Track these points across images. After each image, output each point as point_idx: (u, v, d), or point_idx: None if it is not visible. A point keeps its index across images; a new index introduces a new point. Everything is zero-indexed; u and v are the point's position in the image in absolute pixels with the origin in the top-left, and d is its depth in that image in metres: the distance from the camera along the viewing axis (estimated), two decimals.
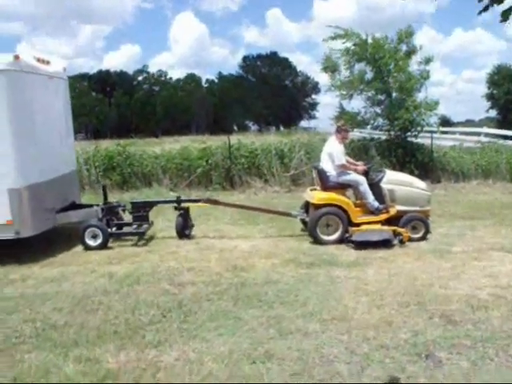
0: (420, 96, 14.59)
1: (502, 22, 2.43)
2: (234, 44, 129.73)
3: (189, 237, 8.64)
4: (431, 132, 15.69)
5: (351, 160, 8.80)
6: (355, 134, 16.17)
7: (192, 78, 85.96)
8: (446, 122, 39.89)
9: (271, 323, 4.87)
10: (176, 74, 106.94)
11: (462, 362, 4.00)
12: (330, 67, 15.12)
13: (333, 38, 14.45)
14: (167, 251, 7.82)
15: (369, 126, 15.62)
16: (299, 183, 14.00)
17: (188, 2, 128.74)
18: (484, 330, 4.56)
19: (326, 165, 8.25)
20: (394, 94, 14.34)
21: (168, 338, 4.63)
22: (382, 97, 14.61)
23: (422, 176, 11.82)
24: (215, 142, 15.86)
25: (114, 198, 10.96)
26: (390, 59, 13.76)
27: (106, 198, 9.32)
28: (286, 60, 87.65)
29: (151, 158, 15.02)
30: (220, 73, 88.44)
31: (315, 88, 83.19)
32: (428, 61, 14.52)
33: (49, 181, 8.10)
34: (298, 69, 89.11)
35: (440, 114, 15.44)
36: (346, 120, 13.51)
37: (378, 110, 14.91)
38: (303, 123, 79.37)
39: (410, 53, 14.72)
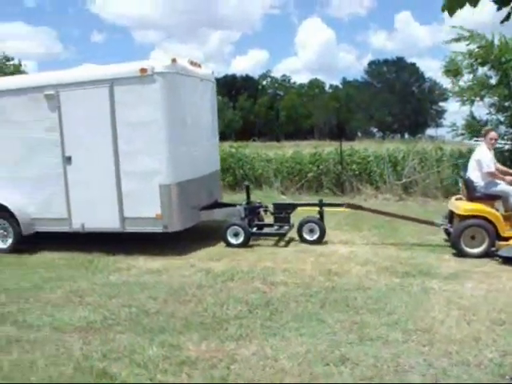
0: None
1: None
2: (361, 49, 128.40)
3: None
4: None
5: (504, 168, 8.22)
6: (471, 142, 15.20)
7: (315, 84, 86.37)
8: None
9: (353, 328, 4.86)
10: (301, 78, 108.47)
11: None
12: (452, 71, 14.38)
13: (456, 40, 13.72)
14: (267, 252, 8.06)
15: None
16: (410, 192, 13.59)
17: (315, 8, 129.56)
18: None
19: (474, 174, 7.79)
20: None
21: (249, 333, 4.81)
22: (507, 103, 13.64)
23: None
24: (335, 147, 15.76)
25: (225, 198, 11.38)
26: None
27: (248, 197, 9.59)
28: (413, 65, 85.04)
29: (263, 161, 15.44)
30: (344, 78, 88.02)
31: (443, 95, 79.51)
32: None
33: (196, 179, 8.56)
34: (427, 74, 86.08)
35: None
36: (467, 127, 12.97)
37: (502, 117, 13.95)
38: (430, 131, 76.09)
39: None
